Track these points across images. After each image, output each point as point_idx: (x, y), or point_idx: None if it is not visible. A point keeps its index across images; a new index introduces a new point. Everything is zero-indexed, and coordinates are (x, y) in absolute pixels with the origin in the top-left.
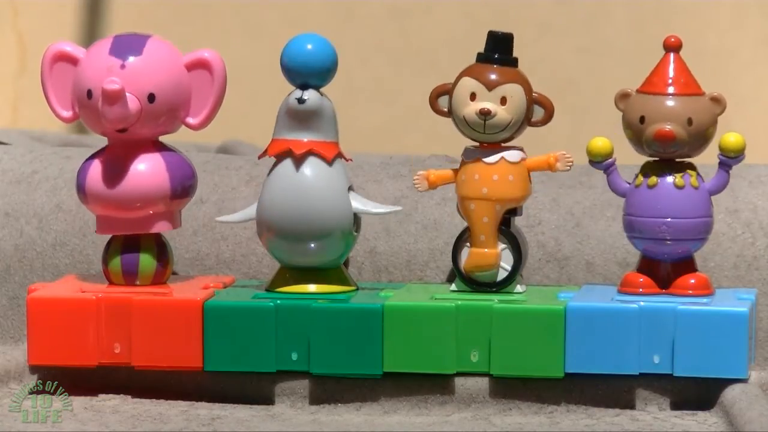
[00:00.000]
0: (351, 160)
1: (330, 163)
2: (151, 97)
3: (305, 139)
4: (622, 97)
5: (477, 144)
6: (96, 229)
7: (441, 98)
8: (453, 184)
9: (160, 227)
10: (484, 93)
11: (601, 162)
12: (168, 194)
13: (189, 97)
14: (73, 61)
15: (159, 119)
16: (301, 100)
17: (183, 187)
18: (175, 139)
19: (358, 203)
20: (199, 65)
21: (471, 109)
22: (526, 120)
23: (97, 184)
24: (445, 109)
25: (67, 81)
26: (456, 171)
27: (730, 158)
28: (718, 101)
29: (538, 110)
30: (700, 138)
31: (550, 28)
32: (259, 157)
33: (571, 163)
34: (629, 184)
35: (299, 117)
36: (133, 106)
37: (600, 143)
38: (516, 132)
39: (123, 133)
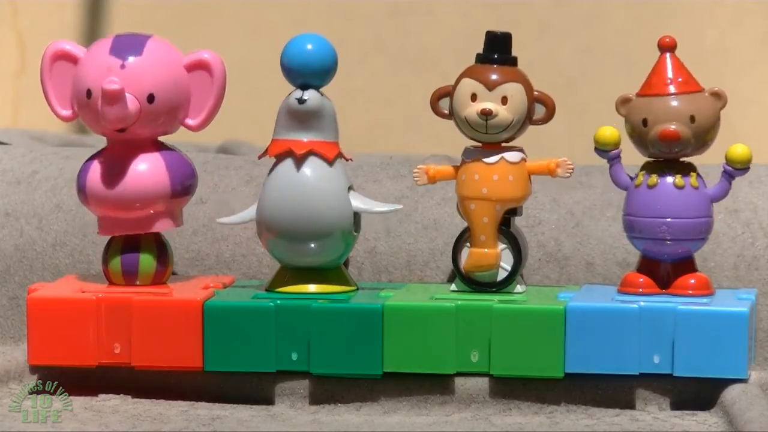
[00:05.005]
0: (351, 159)
1: (330, 163)
2: (151, 98)
3: (305, 139)
4: (623, 102)
5: (477, 144)
6: (98, 231)
7: (442, 100)
8: (453, 184)
9: (162, 225)
10: (485, 93)
11: (607, 151)
12: (168, 193)
13: (188, 98)
14: (73, 60)
15: (158, 120)
16: (301, 100)
17: (183, 186)
18: (175, 140)
19: (358, 202)
20: (199, 66)
21: (472, 110)
22: (528, 119)
23: (97, 185)
24: (447, 111)
25: (67, 80)
26: (456, 167)
27: (735, 169)
28: (718, 96)
29: (539, 108)
30: (704, 134)
31: (550, 28)
32: (259, 157)
33: (571, 170)
34: (631, 179)
35: (299, 117)
36: (132, 107)
37: (608, 132)
38: (518, 131)
39: (122, 133)
